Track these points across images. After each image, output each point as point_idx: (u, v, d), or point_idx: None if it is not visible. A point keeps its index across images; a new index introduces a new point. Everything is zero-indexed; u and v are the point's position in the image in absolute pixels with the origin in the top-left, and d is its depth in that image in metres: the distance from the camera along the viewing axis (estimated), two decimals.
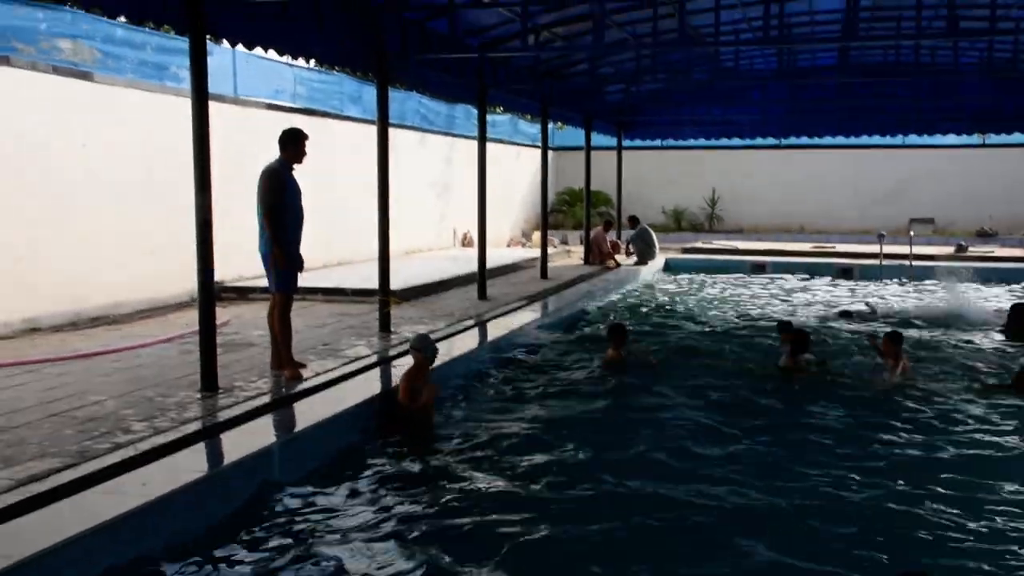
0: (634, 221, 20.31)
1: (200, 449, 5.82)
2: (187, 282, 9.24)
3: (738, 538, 5.16)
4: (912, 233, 18.32)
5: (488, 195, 13.11)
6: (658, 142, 23.92)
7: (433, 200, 20.59)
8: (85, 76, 10.72)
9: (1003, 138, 23.22)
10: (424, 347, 7.40)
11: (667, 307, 14.40)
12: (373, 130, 10.15)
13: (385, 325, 9.90)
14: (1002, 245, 22.98)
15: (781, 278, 18.23)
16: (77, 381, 7.38)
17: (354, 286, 12.55)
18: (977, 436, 7.18)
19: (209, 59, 7.14)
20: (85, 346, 8.88)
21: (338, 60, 10.68)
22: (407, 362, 7.73)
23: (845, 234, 24.93)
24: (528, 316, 11.88)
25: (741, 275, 18.74)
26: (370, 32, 9.75)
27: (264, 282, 8.12)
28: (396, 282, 10.95)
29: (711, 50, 15.77)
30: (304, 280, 8.44)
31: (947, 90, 18.16)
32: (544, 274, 15.89)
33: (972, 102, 19.11)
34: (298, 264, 7.76)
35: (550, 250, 17.56)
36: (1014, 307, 12.00)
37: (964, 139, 24.73)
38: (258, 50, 8.55)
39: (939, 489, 5.96)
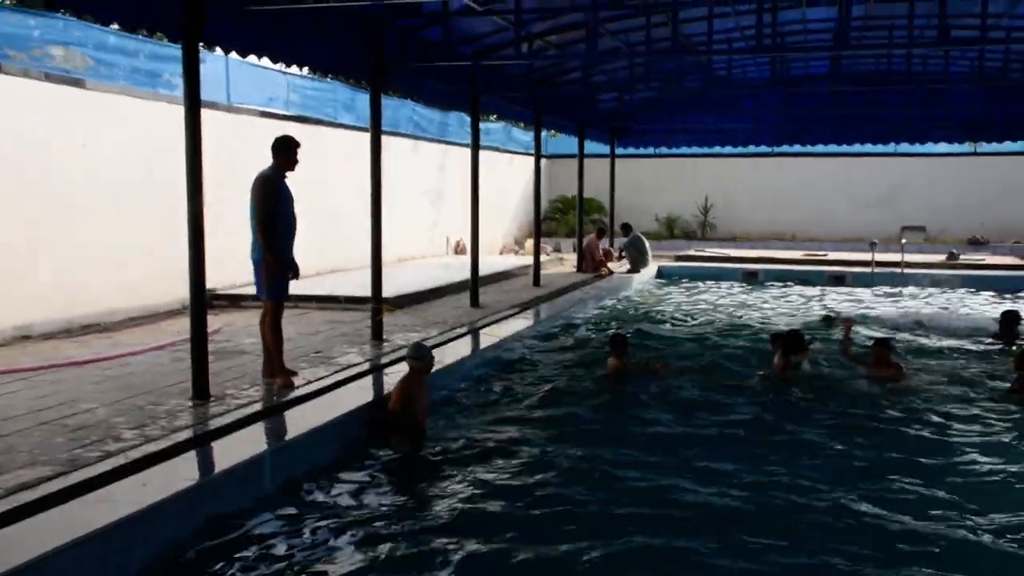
0: (627, 229, 20.34)
1: (191, 457, 5.80)
2: (179, 289, 9.21)
3: (736, 547, 5.16)
4: (904, 241, 18.40)
5: (481, 203, 13.12)
6: (651, 150, 23.99)
7: (426, 207, 20.60)
8: (77, 83, 10.71)
9: (994, 146, 23.34)
10: (421, 355, 7.39)
11: (660, 314, 14.40)
12: (366, 137, 10.15)
13: (378, 333, 9.89)
14: (993, 253, 23.10)
15: (772, 285, 18.27)
16: (68, 389, 7.35)
17: (347, 294, 12.54)
18: (970, 443, 7.20)
19: (202, 66, 7.15)
20: (77, 353, 8.85)
21: (332, 68, 10.68)
22: (400, 370, 7.72)
23: (837, 242, 25.05)
24: (521, 324, 11.88)
25: (733, 282, 18.78)
26: (365, 40, 9.76)
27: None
28: (389, 290, 10.94)
29: (704, 59, 15.79)
30: (297, 287, 8.43)
31: (938, 99, 18.23)
32: (537, 282, 15.89)
33: (963, 111, 19.19)
34: (293, 270, 7.75)
35: (543, 258, 17.58)
36: (1005, 313, 12.05)
37: (956, 147, 24.82)
38: (252, 57, 8.54)
39: (932, 493, 5.98)
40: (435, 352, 7.91)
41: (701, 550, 5.17)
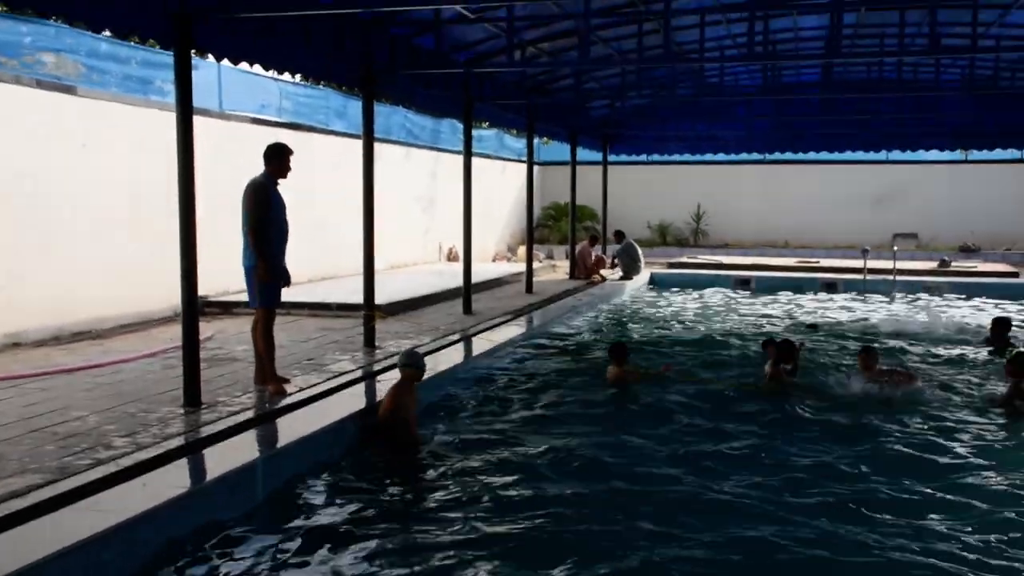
0: (619, 236, 20.35)
1: (183, 464, 5.78)
2: (171, 297, 9.19)
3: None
4: (896, 248, 18.42)
5: (474, 210, 13.13)
6: (643, 157, 24.02)
7: (418, 214, 20.59)
8: (69, 90, 10.69)
9: (985, 154, 23.42)
10: (413, 362, 7.38)
11: (652, 321, 14.42)
12: (359, 144, 10.15)
13: (370, 340, 9.88)
14: (985, 260, 23.18)
15: (765, 293, 18.31)
16: (59, 396, 7.32)
17: (339, 300, 12.53)
18: (961, 450, 7.21)
19: (194, 73, 7.14)
20: (68, 361, 8.82)
21: (324, 75, 10.69)
22: (392, 377, 7.70)
23: (829, 249, 25.11)
24: (514, 330, 11.88)
25: (725, 290, 18.81)
26: (357, 48, 9.76)
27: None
28: (381, 297, 10.93)
29: (696, 66, 15.86)
30: (289, 294, 8.41)
31: (929, 106, 18.35)
32: (529, 288, 15.90)
33: (954, 118, 19.31)
34: (284, 278, 7.74)
35: (535, 265, 17.58)
36: (996, 320, 12.09)
37: (947, 155, 24.96)
38: (243, 64, 8.54)
39: (922, 498, 5.99)
40: (428, 359, 7.91)
41: (700, 557, 5.16)
